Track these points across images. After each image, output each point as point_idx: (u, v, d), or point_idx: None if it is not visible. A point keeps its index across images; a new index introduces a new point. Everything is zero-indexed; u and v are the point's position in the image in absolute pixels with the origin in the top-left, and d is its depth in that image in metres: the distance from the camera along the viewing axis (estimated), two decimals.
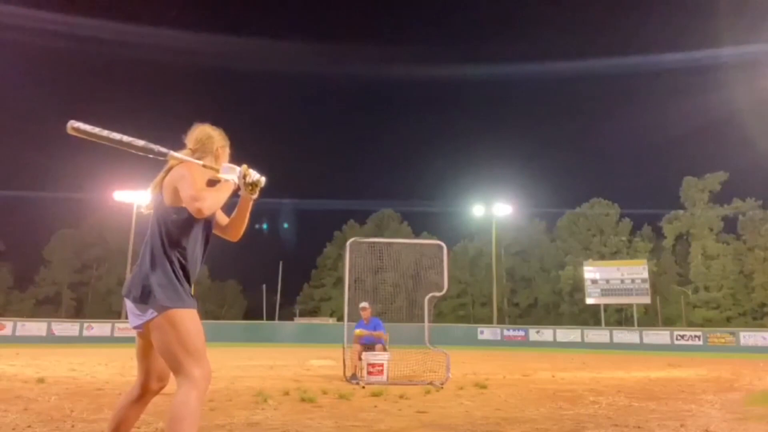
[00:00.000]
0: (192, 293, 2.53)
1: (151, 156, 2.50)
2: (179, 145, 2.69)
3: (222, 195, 2.47)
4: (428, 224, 59.82)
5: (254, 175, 2.59)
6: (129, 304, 2.46)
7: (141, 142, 2.47)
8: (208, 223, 2.61)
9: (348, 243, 9.45)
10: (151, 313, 2.38)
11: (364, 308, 9.05)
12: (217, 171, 2.57)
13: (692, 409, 5.85)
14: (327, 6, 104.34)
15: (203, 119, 2.75)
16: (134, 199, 32.89)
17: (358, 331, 8.89)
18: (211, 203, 2.38)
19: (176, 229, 2.47)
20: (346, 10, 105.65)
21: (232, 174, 2.54)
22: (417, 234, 55.27)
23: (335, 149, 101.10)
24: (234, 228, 2.74)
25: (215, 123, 2.79)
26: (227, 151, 2.77)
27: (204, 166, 2.59)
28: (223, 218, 2.78)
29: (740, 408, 6.04)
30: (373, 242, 10.12)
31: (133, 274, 2.49)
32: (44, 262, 51.70)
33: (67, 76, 75.25)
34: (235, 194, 2.63)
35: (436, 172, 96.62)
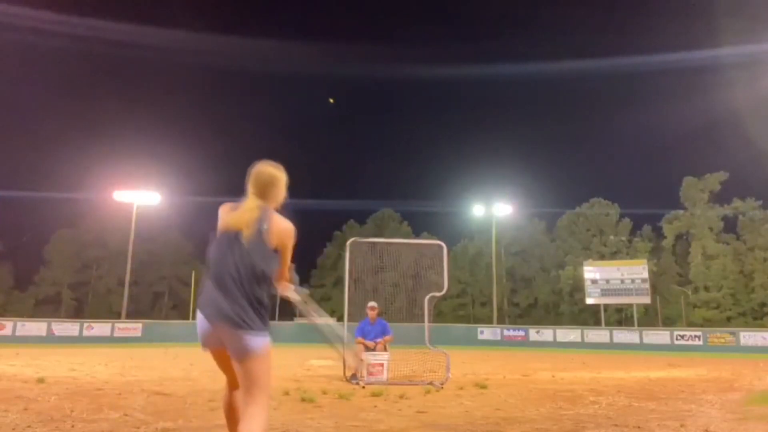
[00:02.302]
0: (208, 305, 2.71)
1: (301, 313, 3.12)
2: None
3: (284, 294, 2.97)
4: (428, 224, 59.88)
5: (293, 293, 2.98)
6: None
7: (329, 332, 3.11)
8: (243, 251, 2.71)
9: (348, 243, 9.45)
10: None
11: (372, 308, 9.08)
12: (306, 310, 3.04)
13: (692, 409, 5.85)
14: (327, 6, 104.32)
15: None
16: (134, 199, 32.92)
17: (359, 339, 8.90)
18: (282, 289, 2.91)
19: (271, 272, 2.67)
20: (346, 10, 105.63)
21: (296, 294, 2.95)
22: (417, 234, 55.27)
23: (335, 149, 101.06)
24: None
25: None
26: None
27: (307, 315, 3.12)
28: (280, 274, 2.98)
29: (740, 408, 6.04)
30: (373, 242, 10.12)
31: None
32: (44, 262, 51.71)
33: (67, 76, 75.24)
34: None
35: (436, 172, 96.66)
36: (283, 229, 2.72)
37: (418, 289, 9.62)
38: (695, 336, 27.63)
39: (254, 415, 2.42)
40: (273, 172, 2.80)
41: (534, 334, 29.69)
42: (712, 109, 61.52)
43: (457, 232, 55.38)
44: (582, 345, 28.09)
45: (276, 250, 2.69)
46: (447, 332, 28.23)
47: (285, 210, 2.78)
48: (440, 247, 9.24)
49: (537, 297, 53.86)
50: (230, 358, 2.54)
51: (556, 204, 68.88)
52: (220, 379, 2.64)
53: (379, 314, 9.33)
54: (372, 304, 9.12)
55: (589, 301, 35.11)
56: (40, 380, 7.57)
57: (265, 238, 2.64)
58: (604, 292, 34.14)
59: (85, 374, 8.91)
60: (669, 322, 48.16)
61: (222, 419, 4.70)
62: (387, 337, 9.03)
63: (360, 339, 8.92)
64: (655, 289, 43.10)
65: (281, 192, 2.82)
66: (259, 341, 2.47)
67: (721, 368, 13.03)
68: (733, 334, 27.40)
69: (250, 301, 2.50)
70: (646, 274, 33.57)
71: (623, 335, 28.87)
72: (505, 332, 30.36)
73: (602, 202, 54.50)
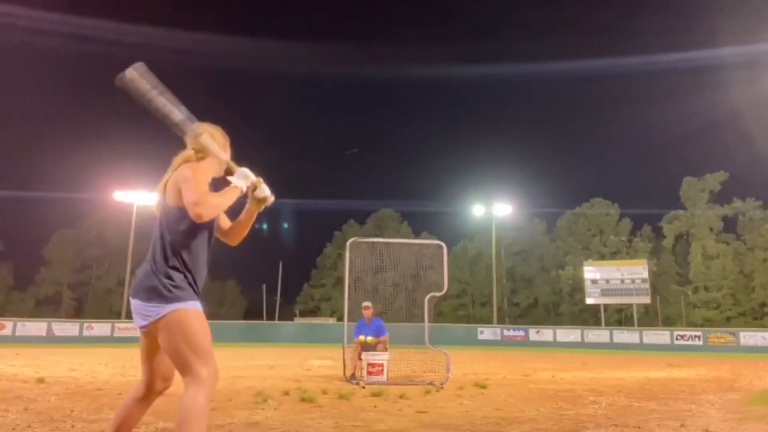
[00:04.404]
0: (199, 293, 2.53)
1: (180, 133, 2.55)
2: (183, 146, 2.67)
3: (225, 200, 2.49)
4: (428, 224, 59.92)
5: (265, 191, 2.59)
6: (135, 304, 2.46)
7: (179, 117, 2.50)
8: (212, 223, 2.62)
9: (348, 243, 9.45)
10: (156, 313, 2.38)
11: (366, 307, 9.04)
12: (234, 169, 2.60)
13: (692, 409, 5.85)
14: (327, 6, 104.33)
15: (202, 119, 2.74)
16: (134, 199, 32.92)
17: (361, 338, 8.88)
18: (211, 209, 2.39)
19: (181, 230, 2.47)
20: (345, 10, 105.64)
21: (243, 181, 2.55)
22: (417, 234, 55.25)
23: (335, 149, 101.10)
24: (235, 234, 2.76)
25: (213, 122, 2.78)
26: (228, 150, 2.75)
27: (225, 161, 2.63)
28: (225, 222, 2.78)
29: (740, 408, 6.04)
30: (373, 242, 10.12)
31: (139, 274, 2.49)
32: (44, 262, 51.68)
33: (67, 76, 75.28)
34: (241, 199, 2.64)
35: (436, 172, 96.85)
36: (176, 176, 2.50)
37: (418, 289, 9.61)
38: (695, 336, 27.64)
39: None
40: None
41: (534, 334, 29.70)
42: (712, 109, 61.66)
43: (457, 232, 55.47)
44: (582, 345, 28.11)
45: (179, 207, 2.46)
46: (447, 332, 28.24)
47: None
48: (440, 247, 9.23)
49: (537, 297, 53.84)
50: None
51: (556, 204, 69.03)
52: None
53: (377, 314, 9.32)
54: (366, 304, 9.06)
55: (589, 301, 35.12)
56: (40, 380, 7.56)
57: (166, 196, 2.53)
58: (604, 292, 34.14)
59: (85, 374, 8.90)
60: (669, 322, 48.16)
61: (222, 419, 4.71)
62: (382, 339, 8.96)
63: (359, 339, 8.89)
64: (655, 289, 43.10)
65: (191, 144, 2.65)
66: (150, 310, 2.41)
67: (721, 368, 13.03)
68: (733, 334, 27.42)
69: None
70: (646, 274, 33.57)
71: (623, 335, 28.88)
72: (505, 332, 30.37)
73: (602, 202, 54.49)
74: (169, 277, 2.41)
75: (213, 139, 2.67)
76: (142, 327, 2.47)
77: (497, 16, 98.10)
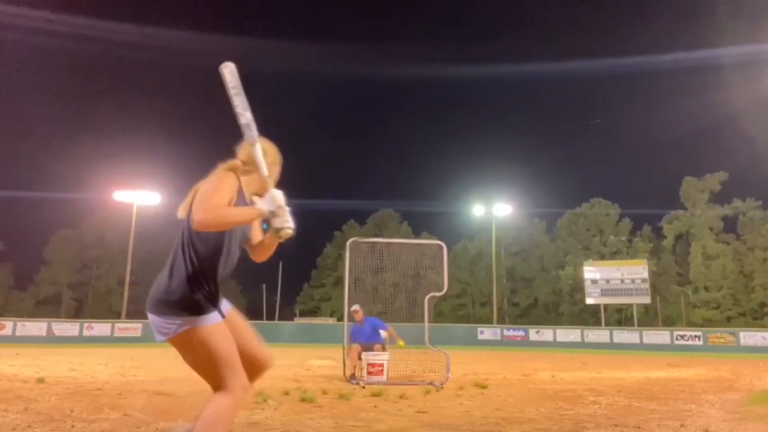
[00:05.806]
0: (217, 303, 2.44)
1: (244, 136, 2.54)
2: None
3: (236, 217, 2.34)
4: (428, 224, 59.90)
5: (283, 222, 2.40)
6: (152, 319, 2.34)
7: (244, 120, 2.50)
8: (238, 234, 2.51)
9: (348, 243, 9.45)
10: (174, 331, 2.28)
11: (355, 311, 9.01)
12: (268, 188, 2.46)
13: (692, 409, 5.85)
14: (327, 6, 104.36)
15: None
16: (134, 199, 32.95)
17: (355, 345, 8.83)
18: (216, 220, 2.22)
19: (201, 240, 2.36)
20: (346, 10, 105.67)
21: (268, 204, 2.39)
22: (417, 234, 55.22)
23: (335, 149, 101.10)
24: (258, 253, 2.65)
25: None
26: (278, 169, 2.64)
27: (266, 177, 2.47)
28: (257, 236, 2.66)
29: (740, 408, 6.04)
30: (373, 242, 10.12)
31: (155, 287, 2.37)
32: (44, 262, 51.66)
33: (67, 77, 75.27)
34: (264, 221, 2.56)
35: (436, 172, 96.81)
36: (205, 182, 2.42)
37: (418, 289, 9.61)
38: (695, 336, 27.63)
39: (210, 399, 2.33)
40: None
41: (534, 334, 29.70)
42: (712, 109, 61.60)
43: (457, 232, 55.41)
44: (582, 345, 28.11)
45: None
46: (447, 332, 28.25)
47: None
48: (440, 247, 9.23)
49: (537, 297, 53.82)
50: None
51: (556, 204, 68.91)
52: None
53: (377, 314, 9.32)
54: (354, 308, 9.02)
55: (589, 301, 35.12)
56: (40, 380, 7.56)
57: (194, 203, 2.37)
58: (604, 292, 34.14)
59: (85, 374, 8.91)
60: (669, 322, 48.15)
61: None
62: (385, 333, 8.94)
63: (356, 346, 8.82)
64: (655, 289, 43.10)
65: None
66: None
67: (721, 368, 13.03)
68: (733, 334, 27.41)
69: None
70: (646, 274, 33.57)
71: (623, 335, 28.88)
72: (505, 332, 30.37)
73: (602, 202, 54.49)
74: (188, 291, 2.30)
75: (264, 154, 2.54)
76: (162, 342, 2.39)
77: (498, 16, 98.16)
